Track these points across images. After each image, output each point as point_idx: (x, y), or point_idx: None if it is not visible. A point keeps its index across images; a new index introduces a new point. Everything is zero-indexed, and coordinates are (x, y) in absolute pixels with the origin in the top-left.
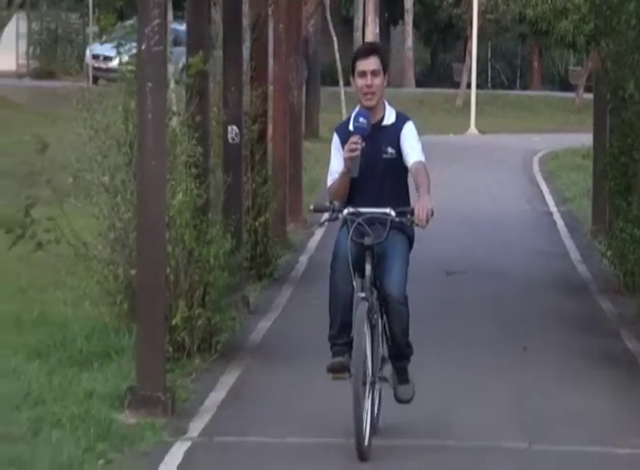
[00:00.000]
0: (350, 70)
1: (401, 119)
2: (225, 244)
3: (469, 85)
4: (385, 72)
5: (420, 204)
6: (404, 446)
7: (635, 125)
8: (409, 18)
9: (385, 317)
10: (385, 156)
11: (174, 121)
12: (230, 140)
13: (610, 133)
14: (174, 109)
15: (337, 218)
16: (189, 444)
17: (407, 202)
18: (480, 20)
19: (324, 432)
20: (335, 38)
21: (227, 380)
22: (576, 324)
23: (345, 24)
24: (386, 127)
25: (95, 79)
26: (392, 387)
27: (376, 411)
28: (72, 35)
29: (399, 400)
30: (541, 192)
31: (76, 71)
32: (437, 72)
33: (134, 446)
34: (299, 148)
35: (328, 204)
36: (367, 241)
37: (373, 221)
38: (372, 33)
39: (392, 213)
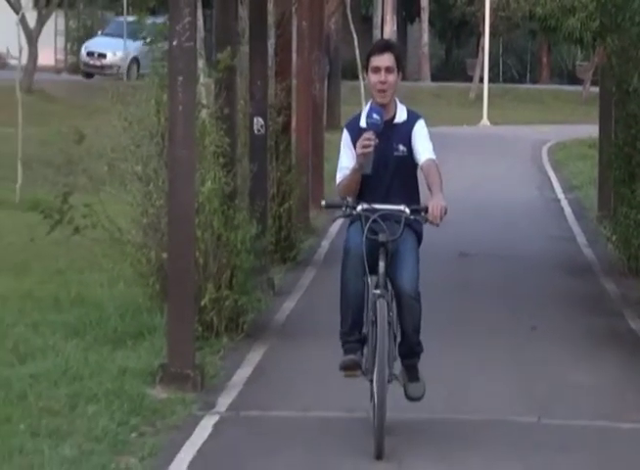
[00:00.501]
0: (365, 66)
1: (413, 117)
2: (251, 229)
3: (481, 79)
4: (399, 70)
5: (434, 202)
6: (420, 420)
7: (639, 117)
8: (425, 15)
9: (396, 314)
10: (396, 153)
11: (203, 113)
12: (256, 131)
13: (615, 125)
14: (204, 101)
15: (350, 215)
16: (217, 417)
17: (417, 199)
18: (492, 17)
19: (345, 407)
20: (355, 35)
21: (253, 358)
22: (582, 305)
23: (365, 23)
24: (397, 125)
25: (89, 75)
26: (402, 384)
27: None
28: None
29: (410, 398)
30: (550, 180)
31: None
32: (452, 67)
33: (165, 420)
34: (321, 138)
35: (340, 200)
36: (382, 238)
37: (387, 218)
38: (390, 31)
39: (407, 211)
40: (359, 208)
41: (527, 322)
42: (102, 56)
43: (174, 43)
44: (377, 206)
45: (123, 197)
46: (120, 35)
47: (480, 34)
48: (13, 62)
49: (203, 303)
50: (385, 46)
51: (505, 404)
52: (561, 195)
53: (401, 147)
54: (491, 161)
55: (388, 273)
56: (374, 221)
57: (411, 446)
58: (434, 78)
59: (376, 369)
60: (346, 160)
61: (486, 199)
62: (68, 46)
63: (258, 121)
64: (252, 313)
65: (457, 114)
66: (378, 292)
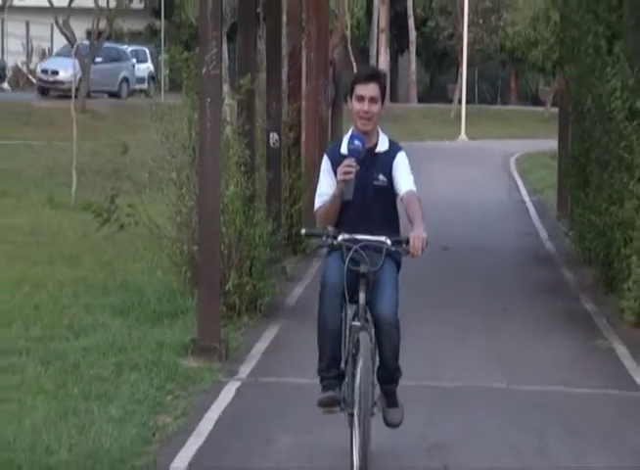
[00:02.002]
0: (349, 92)
1: (394, 148)
2: (267, 226)
3: (460, 101)
4: (382, 100)
5: (415, 233)
6: (407, 387)
7: (591, 133)
8: (413, 48)
9: (375, 341)
10: (376, 182)
11: (228, 130)
12: (272, 144)
13: (571, 139)
14: (228, 119)
15: (331, 245)
16: (239, 383)
17: (397, 229)
18: (469, 50)
19: None
20: (354, 64)
21: (269, 334)
22: (545, 289)
23: (363, 54)
24: (379, 154)
25: (44, 91)
26: (381, 410)
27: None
28: None
29: (388, 424)
30: (517, 185)
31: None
32: (435, 91)
33: (196, 385)
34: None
35: (321, 228)
36: (363, 269)
37: (367, 248)
38: (384, 60)
39: (388, 242)
40: (340, 237)
41: (499, 304)
42: (55, 73)
43: (203, 71)
44: (358, 236)
45: (161, 199)
46: (71, 55)
47: (459, 64)
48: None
49: (227, 287)
50: (370, 75)
51: (479, 373)
52: (526, 197)
53: (381, 177)
54: (468, 169)
55: (368, 301)
56: (355, 252)
57: None
58: (420, 100)
59: (359, 407)
60: (326, 186)
61: (464, 200)
62: None
63: (274, 136)
64: (268, 297)
65: (440, 130)
66: (358, 324)
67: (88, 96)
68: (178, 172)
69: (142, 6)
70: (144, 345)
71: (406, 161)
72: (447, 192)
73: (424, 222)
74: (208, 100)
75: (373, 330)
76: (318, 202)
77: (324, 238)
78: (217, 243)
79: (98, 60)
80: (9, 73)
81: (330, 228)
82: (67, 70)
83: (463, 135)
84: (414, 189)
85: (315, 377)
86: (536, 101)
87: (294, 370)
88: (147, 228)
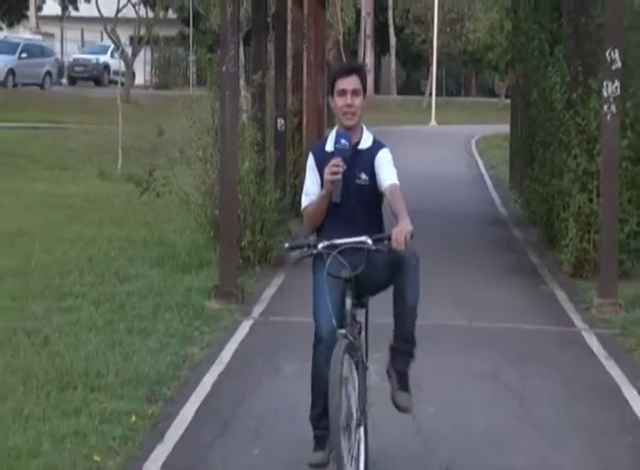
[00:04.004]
0: (329, 90)
1: (377, 145)
2: (275, 194)
3: (430, 94)
4: (364, 92)
5: (398, 227)
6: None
7: (536, 120)
8: (393, 51)
9: (396, 284)
10: (357, 181)
11: (243, 116)
12: (279, 128)
13: (520, 124)
14: (244, 108)
15: (312, 255)
16: (252, 321)
17: (381, 230)
18: (438, 52)
19: None
20: None
21: (276, 282)
22: (499, 246)
23: (353, 54)
24: (361, 152)
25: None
26: (391, 390)
27: (363, 456)
28: (179, 62)
29: (397, 406)
30: (476, 161)
31: (180, 85)
32: (411, 86)
33: (218, 323)
34: (323, 133)
35: (303, 239)
36: (344, 274)
37: (350, 252)
38: (369, 61)
39: (369, 242)
40: (320, 246)
41: (460, 258)
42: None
43: (223, 69)
44: (337, 241)
45: (189, 172)
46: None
47: (430, 63)
48: (115, 79)
49: (243, 244)
50: (351, 68)
51: (445, 314)
52: (484, 171)
53: (363, 175)
54: (437, 148)
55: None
56: (335, 257)
57: (378, 343)
58: (398, 93)
59: (331, 423)
60: (311, 184)
61: (432, 173)
62: (153, 71)
63: (280, 122)
64: (276, 251)
65: (414, 117)
66: (342, 332)
67: (14, 86)
68: (204, 151)
69: (175, 16)
70: (176, 290)
71: (389, 156)
72: (419, 166)
73: (408, 215)
74: (228, 93)
75: (362, 331)
76: (305, 200)
77: (305, 249)
78: (235, 208)
79: (23, 55)
80: (66, 71)
81: (311, 237)
82: None
83: (433, 121)
84: (397, 183)
85: None
86: (492, 93)
87: (297, 311)
88: (178, 196)
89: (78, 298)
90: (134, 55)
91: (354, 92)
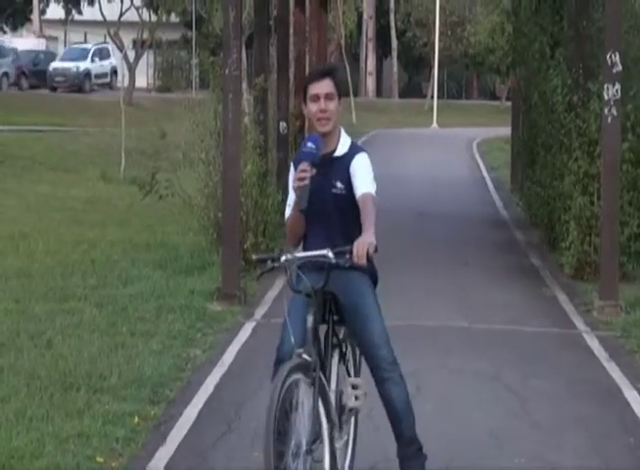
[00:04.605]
0: (302, 97)
1: (354, 151)
2: (278, 197)
3: (432, 96)
4: (339, 97)
5: (360, 240)
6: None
7: (537, 122)
8: (394, 53)
9: (378, 391)
10: (334, 190)
11: (246, 119)
12: (281, 131)
13: (521, 127)
14: (246, 111)
15: (273, 268)
16: (254, 323)
17: None
18: (440, 55)
19: None
20: (347, 67)
21: (279, 283)
22: (500, 248)
23: (354, 58)
24: (337, 159)
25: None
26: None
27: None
28: (182, 65)
29: None
30: (477, 164)
31: (183, 88)
32: (412, 88)
33: (220, 325)
34: None
35: (270, 252)
36: (304, 289)
37: (313, 265)
38: (371, 64)
39: (330, 255)
40: (282, 259)
41: (462, 259)
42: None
43: (226, 72)
44: (299, 254)
45: (192, 175)
46: None
47: (432, 66)
48: (118, 84)
49: (245, 246)
50: (323, 71)
51: (446, 315)
52: (485, 174)
53: (339, 184)
54: (438, 151)
55: (351, 333)
56: (298, 269)
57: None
58: (400, 96)
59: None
60: (292, 195)
61: (434, 175)
62: (155, 74)
63: (282, 125)
64: None
65: (416, 120)
66: (299, 351)
67: None
68: (206, 153)
69: (177, 20)
70: (178, 292)
71: (366, 162)
72: (421, 169)
73: (373, 227)
74: (230, 95)
75: (336, 348)
76: (287, 213)
77: (268, 262)
78: (238, 210)
79: None
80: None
81: (277, 250)
82: None
83: (435, 124)
84: (371, 191)
85: None
86: (493, 96)
87: None
88: (181, 198)
89: (81, 300)
90: (137, 58)
91: (328, 96)
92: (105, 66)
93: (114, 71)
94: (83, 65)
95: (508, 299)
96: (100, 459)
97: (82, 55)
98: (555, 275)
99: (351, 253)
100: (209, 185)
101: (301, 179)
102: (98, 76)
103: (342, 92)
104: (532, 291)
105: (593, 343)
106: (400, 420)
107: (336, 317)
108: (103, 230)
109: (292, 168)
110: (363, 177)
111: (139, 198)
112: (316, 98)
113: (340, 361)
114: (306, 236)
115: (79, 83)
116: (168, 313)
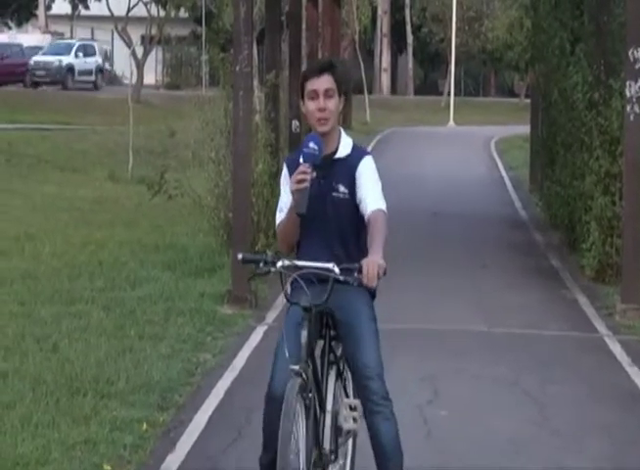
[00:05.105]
0: (299, 94)
1: (358, 153)
2: None
3: (449, 93)
4: (340, 94)
5: (369, 259)
6: (403, 329)
7: (557, 120)
8: (410, 49)
9: (367, 423)
10: (335, 194)
11: (257, 117)
12: (293, 130)
13: (541, 125)
14: (257, 108)
15: (268, 272)
16: (266, 327)
17: (362, 252)
18: (456, 51)
19: None
20: (361, 63)
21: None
22: (519, 249)
23: (369, 54)
24: (339, 161)
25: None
26: None
27: None
28: (191, 61)
29: None
30: (496, 163)
31: (193, 85)
32: (428, 85)
33: (231, 328)
34: None
35: (259, 253)
36: (304, 302)
37: (312, 276)
38: (386, 60)
39: (336, 270)
40: (279, 264)
41: (480, 261)
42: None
43: (237, 68)
44: (300, 263)
45: (202, 174)
46: None
47: (448, 63)
48: (126, 81)
49: (256, 248)
50: (322, 67)
51: (464, 318)
52: (503, 173)
53: (342, 188)
54: (455, 149)
55: (343, 354)
56: (295, 281)
57: (398, 348)
58: (416, 93)
59: None
60: (285, 198)
61: (452, 175)
62: (164, 71)
63: (295, 123)
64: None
65: (432, 118)
66: (295, 368)
67: None
68: (216, 152)
69: (187, 15)
70: (188, 294)
71: (372, 167)
72: (438, 168)
73: (382, 247)
74: (241, 92)
75: (330, 366)
76: (278, 217)
77: (261, 264)
78: (249, 211)
79: None
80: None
81: (269, 253)
82: None
83: (451, 122)
84: (382, 208)
85: None
86: (512, 93)
87: None
88: (190, 198)
89: (88, 303)
90: (145, 55)
91: (327, 93)
92: (89, 63)
93: (100, 70)
94: (66, 59)
95: (527, 302)
96: (107, 467)
97: (66, 49)
98: (575, 277)
99: (360, 272)
100: (220, 185)
101: (301, 181)
102: (82, 73)
103: (343, 89)
104: (552, 293)
105: (615, 347)
106: (388, 458)
107: (333, 333)
108: (111, 231)
109: (285, 170)
110: (373, 190)
111: (148, 198)
112: (314, 95)
113: (337, 380)
114: (300, 243)
115: (61, 79)
116: (178, 316)
